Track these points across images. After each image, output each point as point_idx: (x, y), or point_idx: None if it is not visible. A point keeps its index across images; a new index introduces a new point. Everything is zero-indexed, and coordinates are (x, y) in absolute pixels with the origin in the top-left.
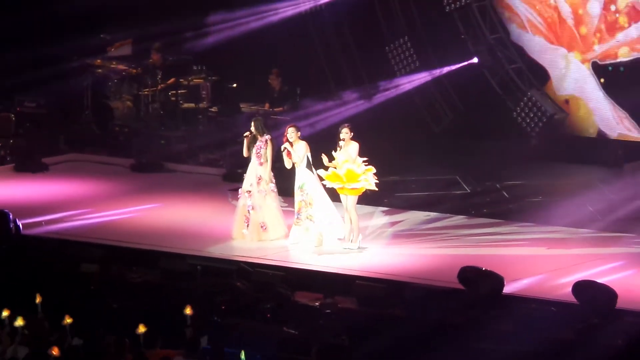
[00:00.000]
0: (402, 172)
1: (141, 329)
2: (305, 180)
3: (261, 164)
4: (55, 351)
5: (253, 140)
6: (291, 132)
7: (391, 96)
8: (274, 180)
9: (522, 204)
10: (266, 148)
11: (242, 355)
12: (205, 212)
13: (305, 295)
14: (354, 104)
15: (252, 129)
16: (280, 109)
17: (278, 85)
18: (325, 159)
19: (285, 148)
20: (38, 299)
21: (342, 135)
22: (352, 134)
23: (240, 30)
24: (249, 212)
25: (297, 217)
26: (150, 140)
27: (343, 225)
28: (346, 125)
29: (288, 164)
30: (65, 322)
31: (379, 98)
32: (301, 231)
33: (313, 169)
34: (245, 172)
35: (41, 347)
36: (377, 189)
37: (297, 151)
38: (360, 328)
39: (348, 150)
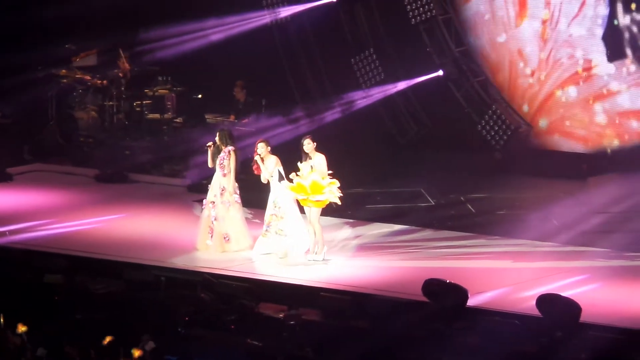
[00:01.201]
0: (367, 184)
1: (107, 339)
2: (278, 194)
3: (225, 174)
4: None
5: (217, 151)
6: (261, 147)
7: (356, 108)
8: (237, 192)
9: (487, 217)
10: (229, 159)
11: None
12: (169, 223)
13: (269, 306)
14: (318, 116)
15: (216, 139)
16: (245, 120)
17: (243, 97)
18: (294, 176)
19: (255, 162)
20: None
21: (305, 148)
22: (314, 144)
23: (206, 42)
24: (212, 223)
25: (266, 230)
26: (115, 150)
27: (309, 239)
28: (307, 136)
29: (263, 179)
30: (19, 330)
31: (346, 110)
32: (267, 243)
33: (285, 183)
34: (209, 183)
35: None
36: (340, 203)
37: (267, 166)
38: (325, 340)
39: (314, 162)
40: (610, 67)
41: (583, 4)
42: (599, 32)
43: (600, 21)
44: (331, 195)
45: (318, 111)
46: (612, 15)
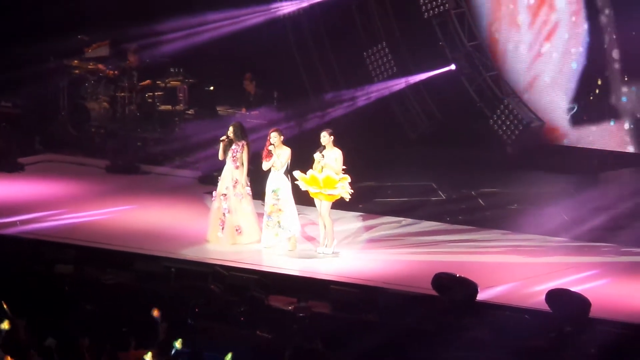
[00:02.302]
0: (378, 178)
1: (156, 313)
2: (280, 185)
3: (237, 167)
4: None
5: (229, 144)
6: (274, 137)
7: (368, 102)
8: (249, 184)
9: (498, 211)
10: (242, 152)
11: (228, 357)
12: (180, 215)
13: (279, 299)
14: (330, 109)
15: (230, 133)
16: (256, 112)
17: (253, 89)
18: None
19: (267, 149)
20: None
21: (322, 140)
22: (331, 137)
23: (218, 33)
24: (224, 215)
25: (269, 220)
26: (126, 141)
27: (300, 231)
28: (326, 129)
29: (265, 166)
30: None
31: (358, 103)
32: (272, 234)
33: (289, 176)
34: (220, 175)
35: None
36: (350, 198)
37: (280, 156)
38: (334, 333)
39: (331, 156)
40: None
41: None
42: None
43: None
44: (343, 190)
45: (329, 105)
46: None
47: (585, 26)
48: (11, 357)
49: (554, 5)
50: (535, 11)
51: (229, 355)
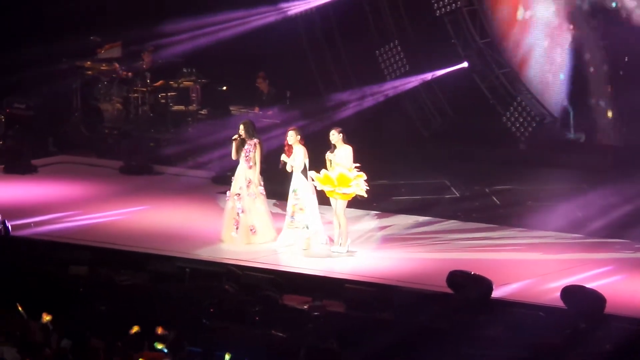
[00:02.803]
0: (392, 176)
1: (134, 329)
2: (299, 185)
3: (250, 167)
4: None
5: (242, 144)
6: (291, 135)
7: (380, 100)
8: (262, 184)
9: (511, 208)
10: (255, 151)
11: (227, 357)
12: (194, 215)
13: (293, 298)
14: (343, 108)
15: (241, 132)
16: (271, 112)
17: (266, 87)
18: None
19: (288, 146)
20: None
21: (331, 139)
22: (340, 135)
23: (230, 33)
24: (238, 215)
25: (292, 220)
26: (140, 142)
27: (324, 230)
28: (335, 128)
29: (289, 167)
30: (44, 319)
31: (371, 101)
32: (291, 235)
33: (307, 176)
34: (233, 175)
35: (30, 348)
36: (366, 196)
37: (296, 156)
38: (349, 332)
39: (340, 154)
40: None
41: None
42: None
43: None
44: (357, 188)
45: (342, 103)
46: None
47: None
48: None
49: None
50: None
51: (227, 357)
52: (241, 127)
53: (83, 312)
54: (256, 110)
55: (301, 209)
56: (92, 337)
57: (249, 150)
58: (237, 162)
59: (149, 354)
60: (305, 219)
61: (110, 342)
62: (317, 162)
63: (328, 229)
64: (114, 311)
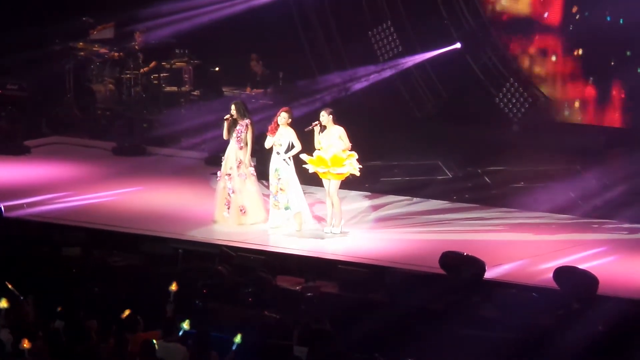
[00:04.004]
0: (385, 157)
1: (125, 313)
2: (280, 165)
3: (241, 147)
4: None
5: (233, 124)
6: (283, 117)
7: (373, 81)
8: (253, 164)
9: (504, 189)
10: (246, 132)
11: (237, 339)
12: (187, 196)
13: (286, 279)
14: (335, 89)
15: (233, 112)
16: (261, 91)
17: (260, 69)
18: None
19: (274, 124)
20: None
21: (321, 119)
22: (331, 117)
23: (223, 14)
24: (229, 195)
25: (275, 200)
26: (132, 123)
27: (308, 210)
28: (324, 109)
29: (267, 144)
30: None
31: (364, 82)
32: (279, 214)
33: (291, 158)
34: (224, 155)
35: (23, 330)
36: (359, 175)
37: (283, 136)
38: (342, 312)
39: (333, 134)
40: None
41: None
42: None
43: None
44: (351, 167)
45: (335, 84)
46: None
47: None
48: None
49: None
50: None
51: (239, 337)
52: (232, 107)
53: (76, 293)
54: (248, 90)
55: (282, 189)
56: (85, 318)
57: (241, 131)
58: (229, 143)
59: (142, 334)
60: (285, 199)
61: (103, 323)
62: (306, 143)
63: (321, 209)
64: (107, 292)
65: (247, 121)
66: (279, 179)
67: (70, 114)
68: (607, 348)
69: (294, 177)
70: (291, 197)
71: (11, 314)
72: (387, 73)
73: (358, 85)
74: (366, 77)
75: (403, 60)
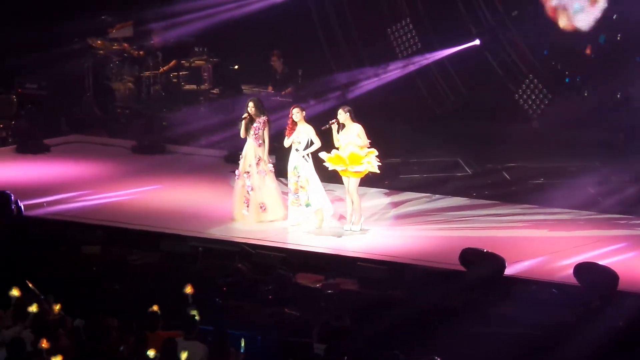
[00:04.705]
0: (404, 154)
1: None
2: (299, 162)
3: (260, 144)
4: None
5: (250, 122)
6: (296, 113)
7: (393, 78)
8: (271, 161)
9: (524, 186)
10: (264, 129)
11: (242, 343)
12: (206, 194)
13: (306, 276)
14: (354, 87)
15: (251, 109)
16: (289, 90)
17: (280, 66)
18: (325, 155)
19: (291, 124)
20: (30, 284)
21: (339, 117)
22: (348, 114)
23: (241, 12)
24: (248, 193)
25: (295, 198)
26: (152, 121)
27: (331, 205)
28: (342, 107)
29: (286, 143)
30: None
31: (383, 80)
32: (299, 212)
33: (310, 155)
34: (241, 154)
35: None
36: (379, 172)
37: (301, 133)
38: (362, 310)
39: (351, 132)
40: None
41: None
42: None
43: None
44: (369, 165)
45: (354, 82)
46: None
47: None
48: (39, 336)
49: None
50: None
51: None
52: (250, 104)
53: (96, 291)
54: (269, 89)
55: (302, 187)
56: (105, 316)
57: (258, 128)
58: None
59: (162, 333)
60: (305, 197)
61: (124, 321)
62: (324, 141)
63: (340, 207)
64: (127, 290)
65: (264, 118)
66: (298, 176)
67: (89, 112)
68: (628, 344)
69: (314, 174)
70: (311, 194)
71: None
72: (406, 70)
73: (377, 83)
74: (384, 74)
75: (422, 57)
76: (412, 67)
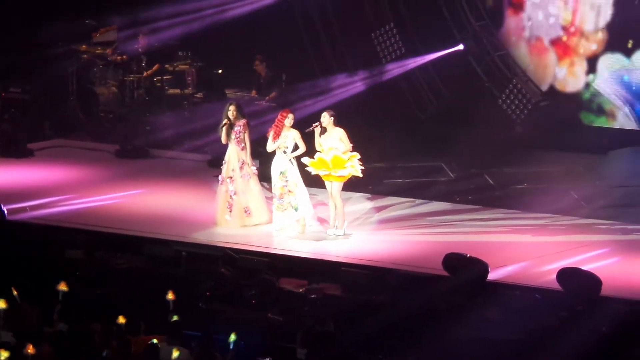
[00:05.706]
0: (387, 159)
1: (121, 319)
2: (287, 167)
3: (242, 148)
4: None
5: (230, 127)
6: (290, 117)
7: (376, 83)
8: (254, 163)
9: (507, 191)
10: (245, 132)
11: (232, 338)
12: (190, 198)
13: (290, 281)
14: (338, 91)
15: (232, 113)
16: (273, 94)
17: (263, 70)
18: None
19: (276, 128)
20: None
21: (322, 121)
22: (332, 119)
23: (225, 16)
24: (231, 198)
25: (280, 203)
26: (135, 126)
27: (314, 212)
28: (326, 110)
29: (270, 148)
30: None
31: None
32: (284, 217)
33: (294, 159)
34: (224, 159)
35: (25, 332)
36: (362, 176)
37: (287, 138)
38: (346, 314)
39: (333, 136)
40: None
41: None
42: None
43: None
44: (353, 169)
45: (338, 86)
46: None
47: None
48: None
49: None
50: None
51: (233, 336)
52: (232, 107)
53: (79, 296)
54: (253, 93)
55: (290, 192)
56: (89, 321)
57: (239, 132)
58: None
59: (145, 337)
60: (294, 201)
61: (107, 325)
62: (308, 145)
63: (323, 211)
64: (110, 295)
65: (244, 120)
66: (287, 180)
67: (73, 116)
68: (611, 349)
69: (300, 178)
70: (299, 199)
71: (11, 317)
72: (390, 75)
73: (361, 87)
74: (368, 79)
75: (405, 62)
76: (396, 72)
